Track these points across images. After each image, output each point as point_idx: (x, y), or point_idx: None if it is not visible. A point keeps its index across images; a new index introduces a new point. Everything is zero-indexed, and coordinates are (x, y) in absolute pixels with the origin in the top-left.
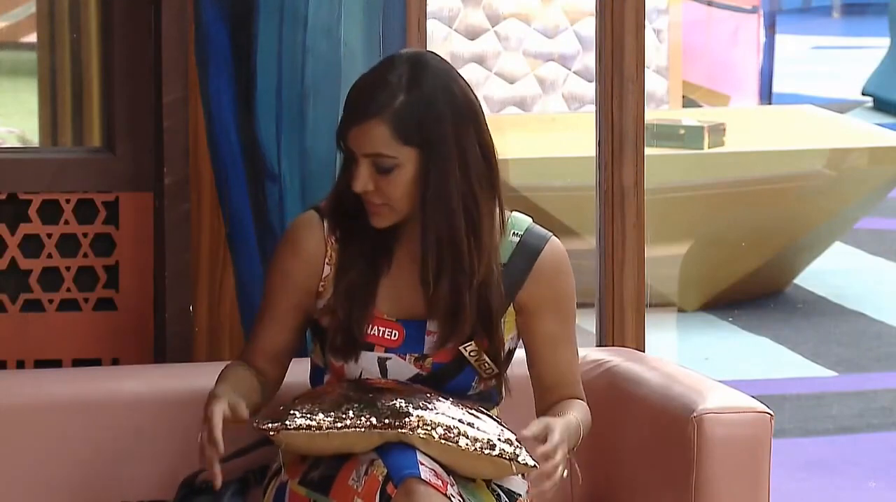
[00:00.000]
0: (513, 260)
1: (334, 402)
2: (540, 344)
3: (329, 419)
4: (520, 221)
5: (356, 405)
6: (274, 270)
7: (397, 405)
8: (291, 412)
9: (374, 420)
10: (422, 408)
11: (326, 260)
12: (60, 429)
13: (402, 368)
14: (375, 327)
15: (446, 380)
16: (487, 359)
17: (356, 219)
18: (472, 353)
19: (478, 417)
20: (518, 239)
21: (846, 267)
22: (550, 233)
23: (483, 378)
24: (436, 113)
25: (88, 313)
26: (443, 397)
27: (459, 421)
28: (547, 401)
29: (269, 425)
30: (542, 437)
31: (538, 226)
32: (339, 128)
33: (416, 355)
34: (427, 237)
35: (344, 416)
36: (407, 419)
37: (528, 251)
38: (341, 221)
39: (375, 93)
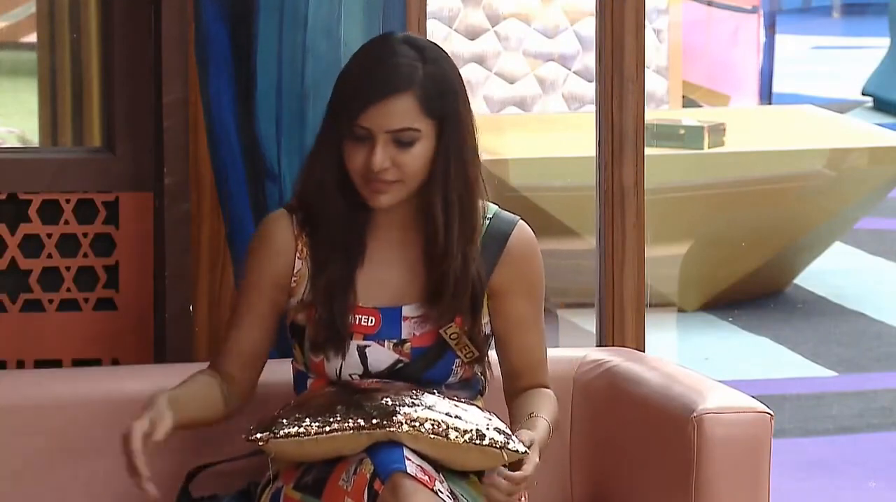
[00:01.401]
0: (484, 242)
1: (321, 407)
2: (510, 327)
3: (317, 424)
4: (488, 205)
5: (342, 408)
6: (245, 270)
7: (384, 404)
8: (279, 421)
9: (361, 421)
10: (408, 405)
11: (297, 254)
12: (60, 430)
13: (382, 355)
14: (353, 315)
15: (428, 366)
16: (468, 341)
17: (325, 213)
18: (452, 336)
19: (465, 410)
20: (487, 222)
21: (846, 267)
22: (518, 217)
23: (464, 362)
24: (451, 85)
25: (88, 313)
26: (428, 392)
27: (447, 414)
28: (515, 387)
29: (258, 436)
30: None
31: (505, 211)
32: (349, 111)
33: (395, 341)
34: (449, 208)
35: (332, 420)
36: (394, 417)
37: (498, 234)
38: (311, 217)
39: (398, 68)
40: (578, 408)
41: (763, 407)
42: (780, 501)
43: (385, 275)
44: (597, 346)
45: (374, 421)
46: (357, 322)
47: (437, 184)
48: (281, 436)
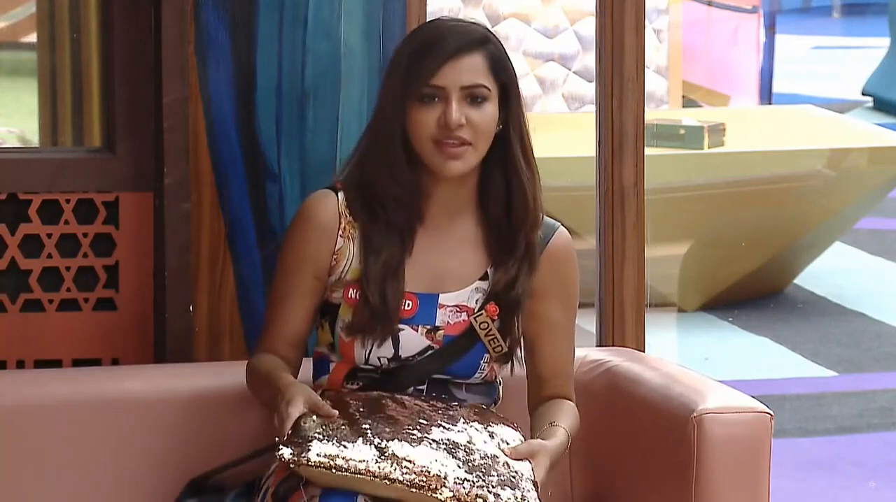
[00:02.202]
0: None
1: (355, 431)
2: (541, 331)
3: (351, 462)
4: None
5: (378, 453)
6: (288, 248)
7: (432, 469)
8: (310, 442)
9: (401, 476)
10: (458, 463)
11: (340, 232)
12: (60, 430)
13: (414, 340)
14: None
15: (457, 356)
16: (497, 333)
17: (390, 194)
18: (482, 325)
19: (511, 462)
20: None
21: (846, 267)
22: (559, 223)
23: (492, 357)
24: (509, 59)
25: (88, 313)
26: (464, 416)
27: (492, 484)
28: (539, 395)
29: (289, 457)
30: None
31: (546, 216)
32: (420, 74)
33: (429, 327)
34: (530, 164)
35: (366, 459)
36: (438, 493)
37: (540, 237)
38: (366, 201)
39: (468, 31)
40: (578, 408)
41: (763, 407)
42: (780, 501)
43: (426, 263)
44: (597, 346)
45: (415, 480)
46: (401, 308)
47: (516, 149)
48: (312, 465)
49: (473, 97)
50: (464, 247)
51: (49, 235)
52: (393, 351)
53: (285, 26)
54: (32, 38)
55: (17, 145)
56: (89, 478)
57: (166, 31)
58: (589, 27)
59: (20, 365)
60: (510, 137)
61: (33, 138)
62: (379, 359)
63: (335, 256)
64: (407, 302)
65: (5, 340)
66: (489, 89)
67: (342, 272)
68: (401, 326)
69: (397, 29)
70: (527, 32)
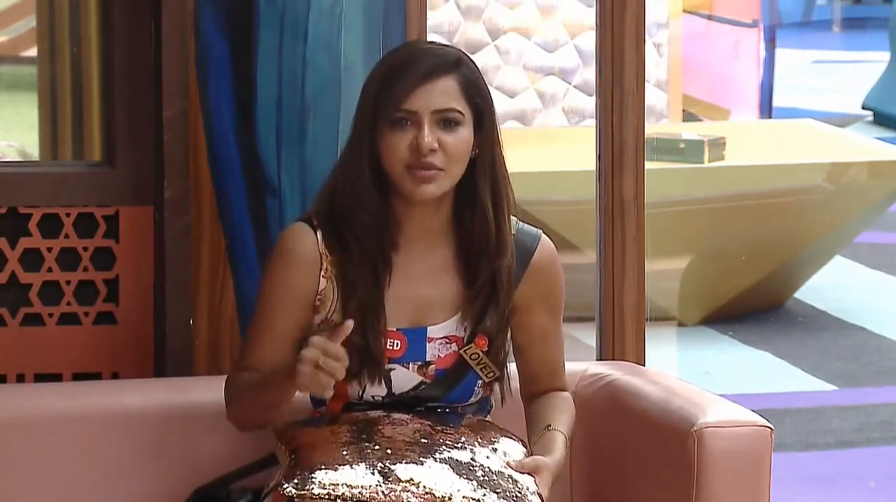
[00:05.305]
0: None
1: (355, 457)
2: (532, 338)
3: (357, 488)
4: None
5: (380, 478)
6: (270, 284)
7: (437, 490)
8: (312, 478)
9: (406, 499)
10: (464, 481)
11: (322, 272)
12: (60, 444)
13: (406, 378)
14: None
15: (451, 387)
16: (488, 360)
17: (356, 218)
18: (472, 356)
19: (516, 476)
20: (512, 236)
21: (846, 281)
22: (539, 231)
23: (485, 382)
24: (484, 83)
25: (88, 327)
26: (466, 433)
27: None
28: (533, 391)
29: (292, 491)
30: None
31: (526, 224)
32: (392, 98)
33: (420, 363)
34: (498, 199)
35: (371, 484)
36: None
37: (523, 249)
38: (338, 232)
39: (442, 55)
40: (579, 422)
41: (763, 421)
42: None
43: (406, 294)
44: (597, 360)
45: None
46: (384, 346)
47: (484, 175)
48: (316, 497)
49: (446, 121)
50: (443, 274)
51: (49, 249)
52: (386, 389)
53: (285, 40)
54: (33, 52)
55: (18, 159)
56: (89, 493)
57: (167, 45)
58: (589, 41)
59: (20, 379)
60: (476, 166)
61: (33, 152)
62: (373, 397)
63: (319, 296)
64: (395, 341)
65: (5, 354)
66: (462, 113)
67: (327, 314)
68: (392, 366)
69: (397, 43)
70: (527, 46)
